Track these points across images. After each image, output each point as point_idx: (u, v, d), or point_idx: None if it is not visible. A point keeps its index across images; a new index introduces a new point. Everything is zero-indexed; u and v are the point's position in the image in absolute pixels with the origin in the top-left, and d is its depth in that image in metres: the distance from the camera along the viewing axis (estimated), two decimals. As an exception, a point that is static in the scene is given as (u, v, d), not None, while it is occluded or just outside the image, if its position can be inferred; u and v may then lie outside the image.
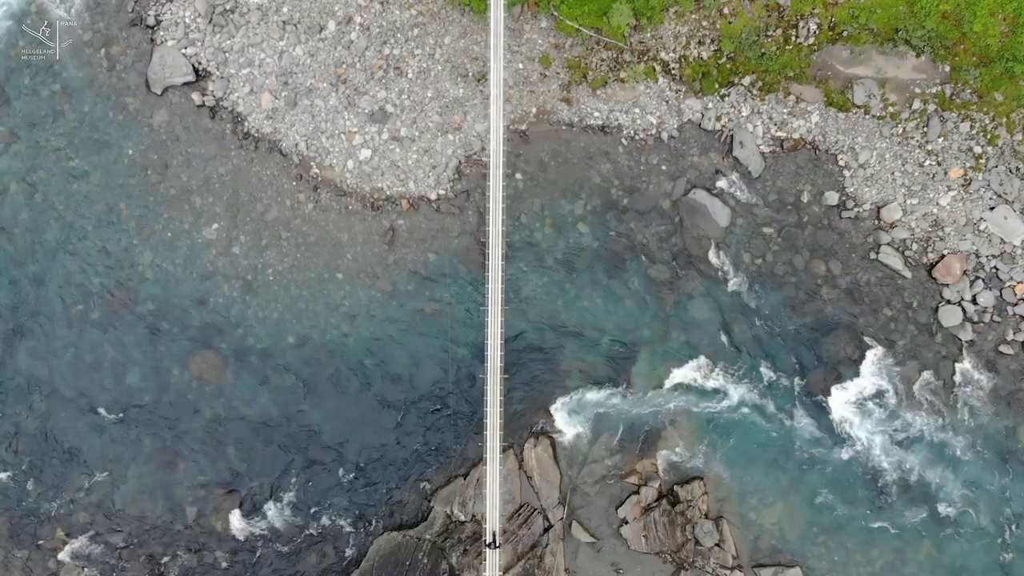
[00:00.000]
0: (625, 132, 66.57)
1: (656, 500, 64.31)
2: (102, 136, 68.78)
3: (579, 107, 66.67)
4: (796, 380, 65.01)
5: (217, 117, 68.28)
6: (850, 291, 65.07)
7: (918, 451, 64.01)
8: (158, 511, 66.83)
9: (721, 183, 66.04)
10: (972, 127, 63.57)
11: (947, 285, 64.14)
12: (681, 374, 65.51)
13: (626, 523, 63.99)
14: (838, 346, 64.79)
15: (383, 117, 67.02)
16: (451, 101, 66.97)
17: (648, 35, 65.19)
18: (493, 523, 61.47)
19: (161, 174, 68.25)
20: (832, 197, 65.43)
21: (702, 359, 65.56)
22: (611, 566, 64.18)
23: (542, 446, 65.24)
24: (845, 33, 63.56)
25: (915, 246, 64.81)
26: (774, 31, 64.14)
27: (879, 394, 64.20)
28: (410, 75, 67.02)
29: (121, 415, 67.21)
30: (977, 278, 64.01)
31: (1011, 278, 63.74)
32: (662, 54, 65.42)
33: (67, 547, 66.80)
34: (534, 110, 67.05)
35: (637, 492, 64.58)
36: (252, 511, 66.45)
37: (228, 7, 68.04)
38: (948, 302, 64.17)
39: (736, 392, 65.25)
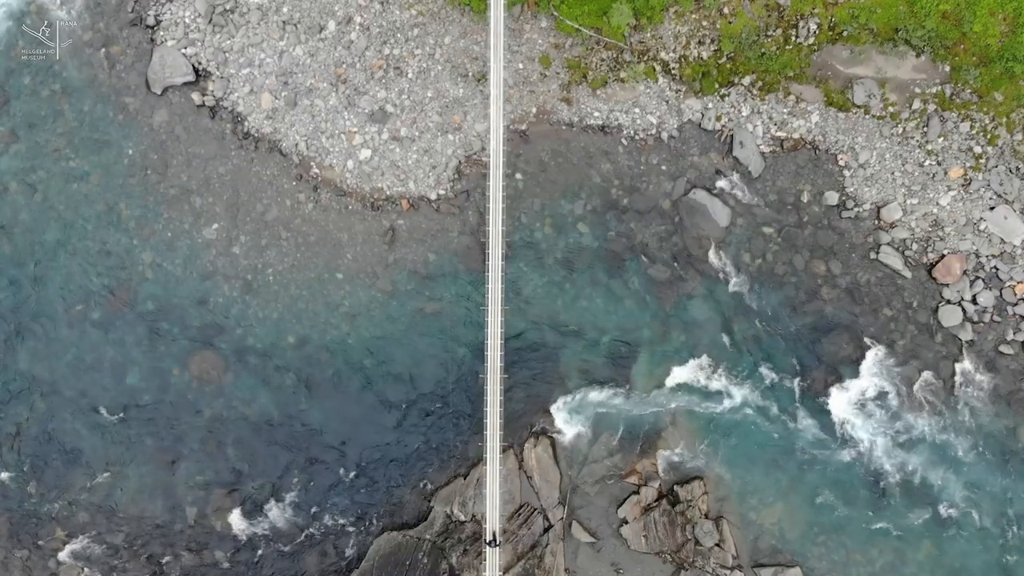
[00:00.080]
0: (625, 132, 66.58)
1: (656, 500, 64.33)
2: (102, 136, 68.78)
3: (579, 107, 66.67)
4: (796, 380, 65.02)
5: (217, 117, 68.29)
6: (850, 291, 65.08)
7: (918, 451, 64.02)
8: (158, 511, 66.83)
9: (721, 183, 66.04)
10: (972, 127, 63.58)
11: (947, 285, 64.15)
12: (681, 374, 65.52)
13: (626, 523, 64.00)
14: (838, 346, 64.79)
15: (383, 117, 67.03)
16: (451, 101, 66.98)
17: (648, 35, 65.20)
18: (493, 523, 61.50)
19: (161, 174, 68.26)
20: (832, 197, 65.44)
21: (702, 359, 65.58)
22: (611, 566, 64.19)
23: (542, 446, 65.25)
24: (845, 33, 63.56)
25: (915, 246, 64.82)
26: (774, 31, 64.14)
27: (879, 394, 64.21)
28: (410, 75, 67.03)
29: (121, 415, 67.20)
30: (977, 278, 64.01)
31: (1011, 278, 63.75)
32: (662, 54, 65.42)
33: (67, 547, 66.79)
34: (534, 110, 67.06)
35: (637, 492, 64.58)
36: (253, 511, 66.45)
37: (228, 7, 68.05)
38: (948, 302, 64.17)
39: (736, 392, 65.27)
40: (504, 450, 63.21)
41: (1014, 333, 63.63)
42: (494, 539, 61.23)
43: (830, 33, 63.75)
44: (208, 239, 67.68)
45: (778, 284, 65.69)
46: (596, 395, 65.70)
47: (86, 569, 66.55)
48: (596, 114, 66.60)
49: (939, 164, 64.19)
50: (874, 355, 64.32)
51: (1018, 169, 63.51)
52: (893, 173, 64.75)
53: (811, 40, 63.92)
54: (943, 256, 64.22)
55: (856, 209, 65.26)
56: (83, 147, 68.81)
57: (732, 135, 65.86)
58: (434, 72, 67.00)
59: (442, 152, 66.98)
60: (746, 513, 64.34)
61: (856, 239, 65.28)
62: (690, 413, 65.23)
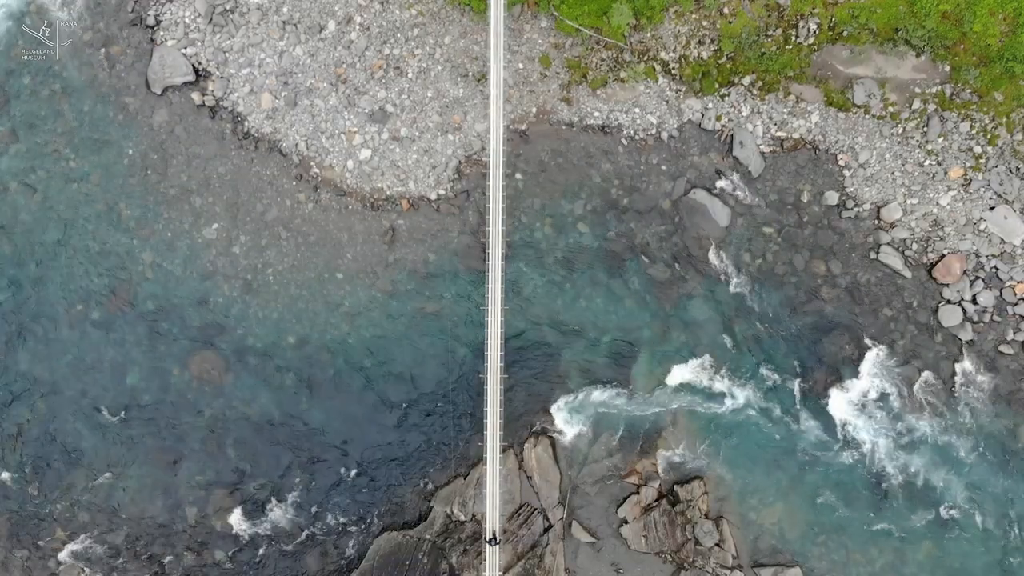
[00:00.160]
0: (625, 132, 66.58)
1: (656, 500, 64.33)
2: (102, 136, 68.78)
3: (579, 107, 66.67)
4: (796, 380, 65.03)
5: (217, 117, 68.29)
6: (850, 291, 65.07)
7: (918, 451, 64.02)
8: (159, 511, 66.84)
9: (721, 183, 66.04)
10: (972, 127, 63.58)
11: (947, 285, 64.15)
12: (681, 374, 65.51)
13: (626, 523, 64.00)
14: (838, 346, 64.79)
15: (383, 117, 67.03)
16: (451, 101, 66.97)
17: (648, 35, 65.19)
18: (493, 523, 61.52)
19: (161, 174, 68.26)
20: (832, 197, 65.43)
21: (702, 359, 65.58)
22: (611, 566, 64.19)
23: (542, 446, 65.26)
24: (845, 33, 63.56)
25: (915, 246, 64.82)
26: (774, 31, 64.13)
27: (879, 394, 64.20)
28: (410, 75, 67.03)
29: (122, 415, 67.21)
30: (977, 278, 64.01)
31: (1011, 278, 63.75)
32: (662, 54, 65.42)
33: (67, 547, 66.80)
34: (534, 110, 67.05)
35: (637, 492, 64.58)
36: (253, 511, 66.45)
37: (228, 7, 68.05)
38: (948, 302, 64.17)
39: (736, 392, 65.26)
40: (504, 450, 63.21)
41: (1014, 333, 63.63)
42: (494, 537, 61.26)
43: (830, 33, 63.75)
44: (208, 239, 67.69)
45: (778, 284, 65.70)
46: (596, 395, 65.70)
47: (86, 569, 66.55)
48: (596, 114, 66.60)
49: (939, 164, 64.19)
50: (874, 355, 64.32)
51: (1018, 169, 63.51)
52: (893, 173, 64.75)
53: (811, 40, 63.92)
54: (943, 256, 64.22)
55: (856, 209, 65.26)
56: (83, 147, 68.82)
57: (732, 135, 65.86)
58: (434, 72, 67.01)
59: (442, 152, 66.98)
60: (746, 513, 64.35)
61: (856, 239, 65.28)
62: (690, 413, 65.23)
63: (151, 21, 68.76)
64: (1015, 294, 63.76)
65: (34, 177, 68.91)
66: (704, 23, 64.65)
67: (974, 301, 63.90)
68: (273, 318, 67.00)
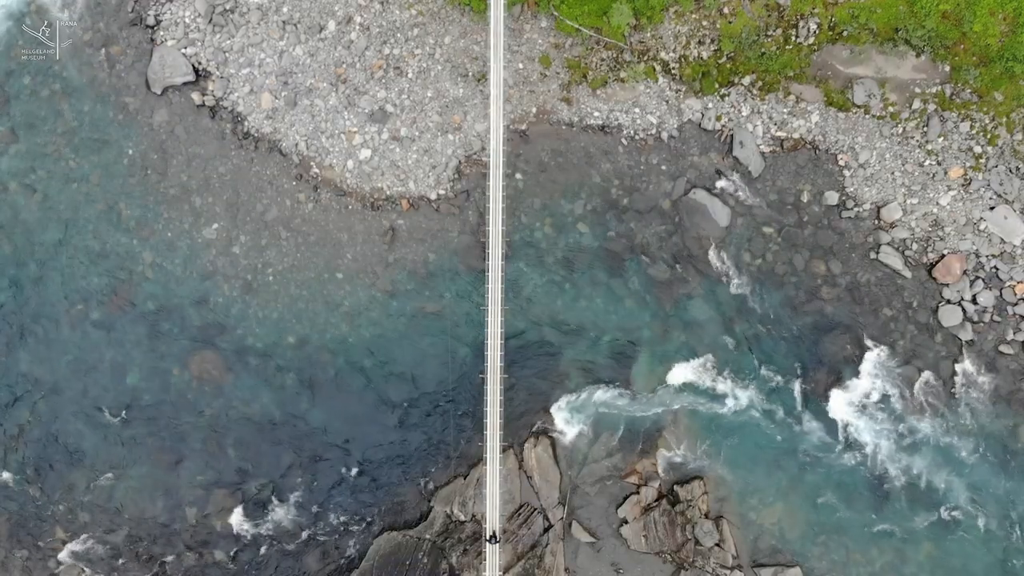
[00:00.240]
0: (625, 132, 66.57)
1: (656, 500, 64.33)
2: (102, 136, 68.78)
3: (579, 107, 66.67)
4: (796, 380, 65.03)
5: (217, 117, 68.29)
6: (850, 291, 65.06)
7: (917, 451, 64.01)
8: (159, 511, 66.86)
9: (721, 183, 66.04)
10: (972, 127, 63.57)
11: (947, 285, 64.15)
12: (681, 374, 65.52)
13: (626, 523, 64.00)
14: (838, 346, 64.79)
15: (383, 117, 67.03)
16: (451, 101, 66.97)
17: (648, 35, 65.19)
18: (493, 523, 61.53)
19: (161, 174, 68.26)
20: (832, 197, 65.43)
21: (702, 359, 65.58)
22: (611, 566, 64.20)
23: (542, 446, 65.26)
24: (845, 33, 63.55)
25: (915, 246, 64.81)
26: (774, 31, 64.13)
27: (879, 394, 64.20)
28: (410, 75, 67.02)
29: (122, 415, 67.22)
30: (977, 278, 64.01)
31: (1011, 278, 63.74)
32: (662, 54, 65.41)
33: (67, 547, 66.83)
34: (534, 110, 67.05)
35: (637, 492, 64.59)
36: (253, 510, 66.46)
37: (228, 7, 68.04)
38: (948, 302, 64.16)
39: (736, 392, 65.27)
40: (504, 450, 63.22)
41: (1014, 333, 63.63)
42: (494, 536, 61.28)
43: (830, 33, 63.74)
44: (208, 239, 67.69)
45: (778, 284, 65.69)
46: (596, 395, 65.70)
47: (87, 569, 66.56)
48: (596, 114, 66.59)
49: (939, 164, 64.19)
50: (874, 355, 64.31)
51: (1018, 169, 63.50)
52: (893, 173, 64.75)
53: (811, 40, 63.91)
54: (943, 256, 64.21)
55: (856, 209, 65.26)
56: (83, 147, 68.82)
57: (732, 135, 65.86)
58: (434, 72, 67.00)
59: (442, 152, 66.98)
60: (746, 513, 64.35)
61: (856, 239, 65.27)
62: (690, 413, 65.23)
63: (151, 21, 68.77)
64: (1015, 294, 63.75)
65: (34, 177, 68.92)
66: (704, 23, 64.64)
67: (974, 301, 63.89)
68: (273, 318, 67.01)
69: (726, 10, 64.20)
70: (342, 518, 66.22)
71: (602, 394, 65.64)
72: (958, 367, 63.83)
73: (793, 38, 64.04)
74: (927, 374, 64.11)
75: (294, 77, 67.36)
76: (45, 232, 68.60)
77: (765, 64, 64.38)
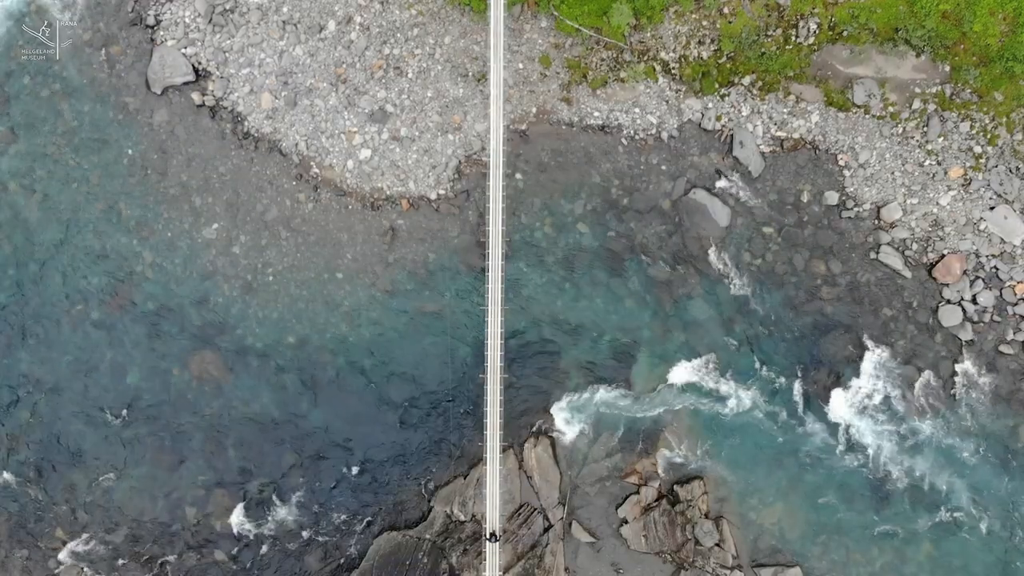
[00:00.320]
0: (625, 132, 66.57)
1: (656, 500, 64.35)
2: (102, 136, 68.79)
3: (579, 107, 66.67)
4: (796, 380, 65.05)
5: (217, 117, 68.29)
6: (850, 291, 65.07)
7: (917, 451, 64.03)
8: (159, 511, 66.88)
9: (721, 183, 66.04)
10: (972, 127, 63.57)
11: (947, 285, 64.15)
12: (681, 374, 65.54)
13: (626, 523, 64.02)
14: (838, 346, 64.80)
15: (383, 117, 67.04)
16: (451, 101, 66.98)
17: (648, 35, 65.19)
18: (493, 523, 61.55)
19: (161, 174, 68.27)
20: (832, 197, 65.43)
21: (702, 359, 65.59)
22: (611, 566, 64.21)
23: (542, 446, 65.28)
24: (845, 33, 63.54)
25: (915, 246, 64.82)
26: (774, 31, 64.12)
27: (879, 394, 64.20)
28: (410, 75, 67.03)
29: (122, 415, 67.24)
30: (977, 278, 64.01)
31: (1011, 278, 63.75)
32: (662, 54, 65.41)
33: (67, 547, 66.84)
34: (534, 110, 67.06)
35: (637, 492, 64.61)
36: (254, 510, 66.47)
37: (228, 7, 68.04)
38: (948, 302, 64.17)
39: (736, 392, 65.28)
40: (504, 450, 63.25)
41: (1014, 333, 63.63)
42: (494, 535, 61.31)
43: (830, 33, 63.73)
44: (208, 239, 67.70)
45: (778, 284, 65.69)
46: (596, 395, 65.72)
47: (87, 569, 66.58)
48: (596, 114, 66.60)
49: (939, 164, 64.19)
50: (874, 355, 64.32)
51: (1018, 169, 63.51)
52: (893, 173, 64.75)
53: (811, 40, 63.91)
54: (943, 256, 64.22)
55: (856, 209, 65.26)
56: (83, 147, 68.83)
57: (732, 135, 65.86)
58: (434, 72, 67.01)
59: (442, 152, 66.98)
60: (746, 513, 64.36)
61: (856, 239, 65.27)
62: (690, 413, 65.26)
63: (151, 21, 68.77)
64: (1015, 294, 63.75)
65: (34, 177, 68.94)
66: (704, 23, 64.64)
67: (974, 301, 63.90)
68: (273, 318, 67.02)
69: (726, 10, 64.20)
70: (343, 517, 66.25)
71: (602, 394, 65.66)
72: (958, 367, 63.85)
73: (793, 38, 64.04)
74: (927, 374, 64.13)
75: (294, 77, 67.37)
76: (45, 232, 68.62)
77: (765, 64, 64.38)
